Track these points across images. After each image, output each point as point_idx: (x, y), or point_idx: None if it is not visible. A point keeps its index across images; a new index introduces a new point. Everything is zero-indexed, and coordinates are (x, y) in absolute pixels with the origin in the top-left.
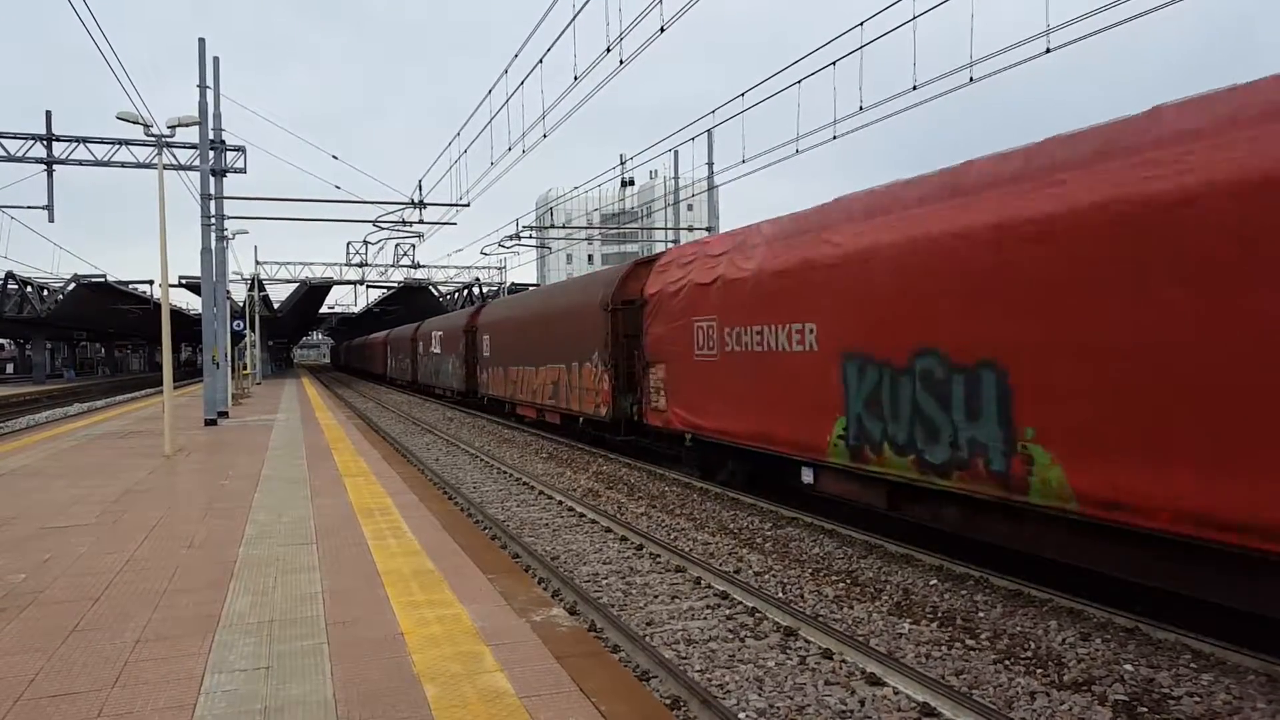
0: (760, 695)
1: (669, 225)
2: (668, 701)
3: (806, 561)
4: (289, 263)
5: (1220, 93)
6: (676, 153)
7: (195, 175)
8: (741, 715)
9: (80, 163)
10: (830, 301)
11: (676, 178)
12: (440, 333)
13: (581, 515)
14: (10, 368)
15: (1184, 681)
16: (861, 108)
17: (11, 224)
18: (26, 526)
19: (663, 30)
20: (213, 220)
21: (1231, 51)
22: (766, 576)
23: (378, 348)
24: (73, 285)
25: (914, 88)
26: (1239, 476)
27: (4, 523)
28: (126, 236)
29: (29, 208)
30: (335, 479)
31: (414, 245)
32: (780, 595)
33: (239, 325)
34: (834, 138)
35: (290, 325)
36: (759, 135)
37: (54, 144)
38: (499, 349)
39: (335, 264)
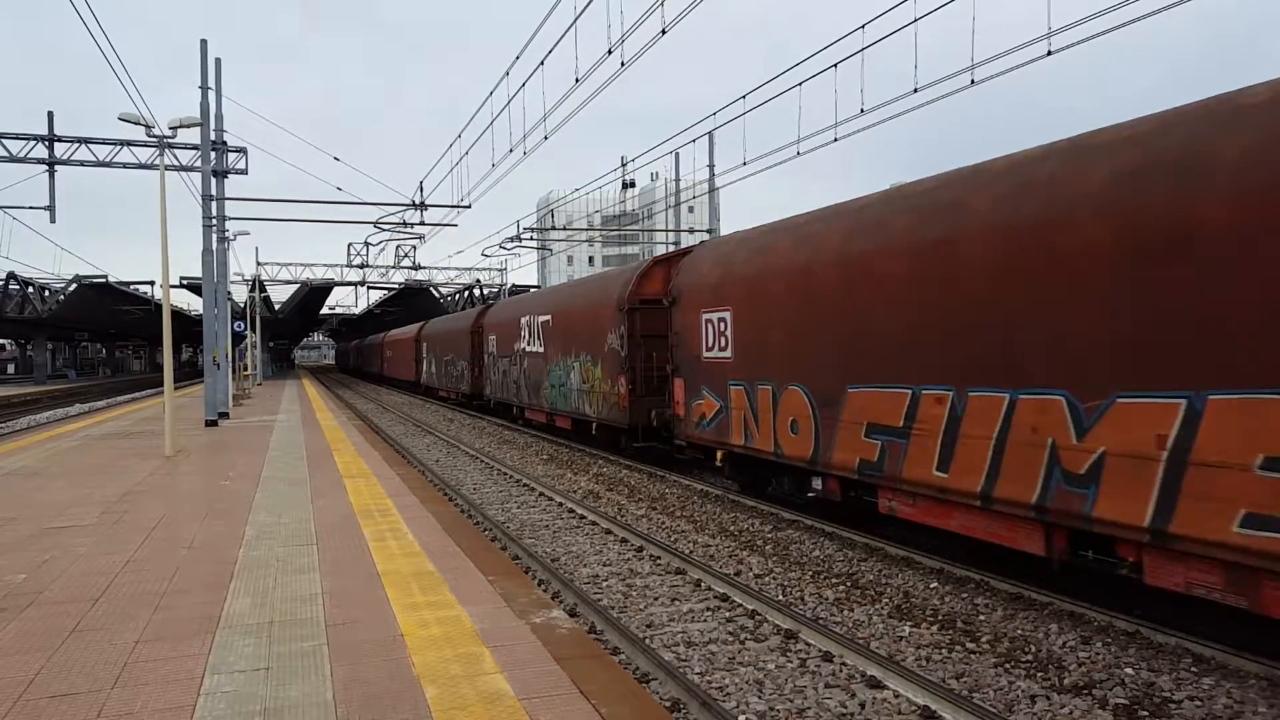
0: (760, 698)
1: (670, 227)
2: (668, 704)
3: (807, 564)
4: (290, 264)
5: None
6: (677, 155)
7: (197, 176)
8: (741, 718)
9: (82, 163)
10: None
11: (677, 180)
12: (545, 318)
13: (582, 517)
14: (11, 368)
15: (1185, 685)
16: (863, 110)
17: (13, 225)
18: (27, 527)
19: (664, 33)
20: (214, 221)
21: (1237, 53)
22: (767, 579)
23: (405, 347)
24: (74, 286)
25: (915, 90)
26: None
27: (4, 523)
28: (128, 237)
29: (31, 208)
30: (335, 480)
31: (415, 247)
32: (781, 598)
33: (240, 326)
34: (835, 140)
35: (291, 326)
36: (760, 137)
37: (55, 145)
38: (868, 348)
39: (336, 265)
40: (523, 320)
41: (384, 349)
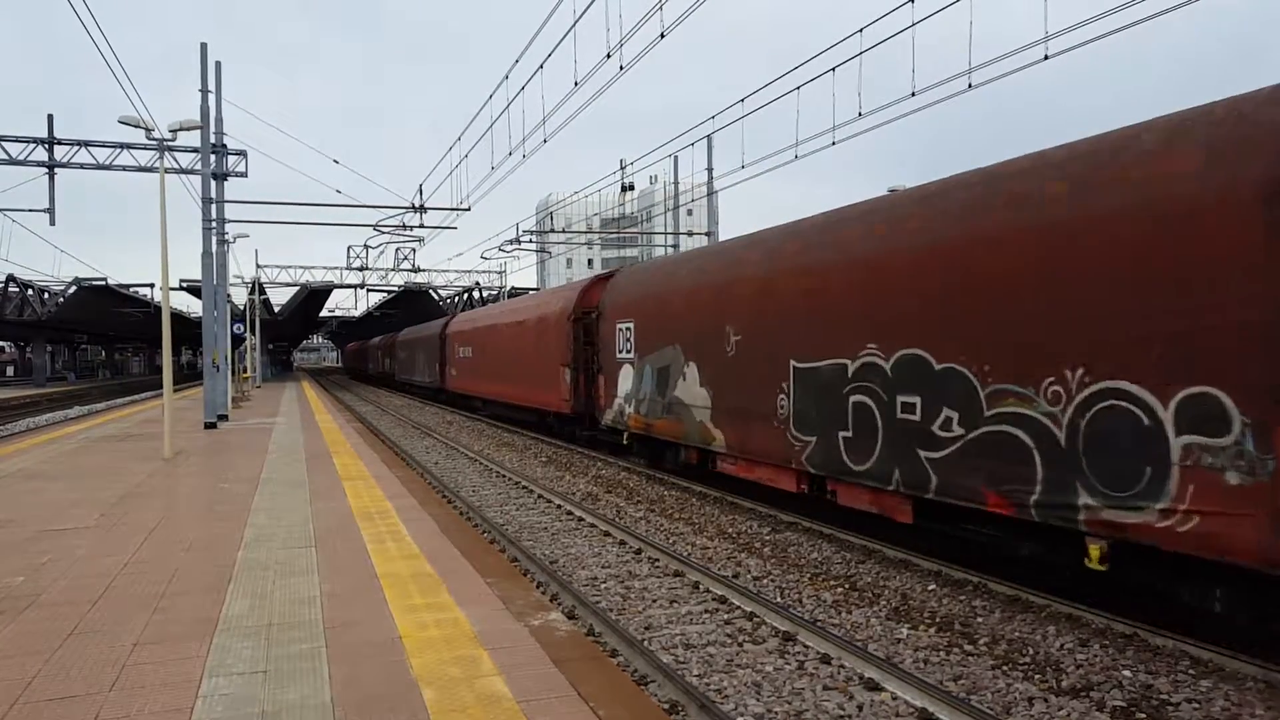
0: (758, 700)
1: (669, 230)
2: (666, 706)
3: (805, 566)
4: (290, 266)
5: None
6: (676, 158)
7: (197, 179)
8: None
9: (82, 166)
10: None
11: (676, 182)
12: None
13: (580, 519)
14: (11, 370)
15: (1182, 688)
16: (860, 114)
17: (13, 227)
18: (26, 529)
19: (663, 36)
20: (214, 224)
21: (1240, 55)
22: (765, 581)
23: (505, 342)
24: (74, 288)
25: (913, 94)
26: None
27: (3, 525)
28: (127, 240)
29: (30, 210)
30: (334, 482)
31: (414, 249)
32: (779, 600)
33: (239, 328)
34: (833, 143)
35: (291, 329)
36: (759, 140)
37: (55, 147)
38: None
39: (336, 268)
40: None
41: (452, 345)
